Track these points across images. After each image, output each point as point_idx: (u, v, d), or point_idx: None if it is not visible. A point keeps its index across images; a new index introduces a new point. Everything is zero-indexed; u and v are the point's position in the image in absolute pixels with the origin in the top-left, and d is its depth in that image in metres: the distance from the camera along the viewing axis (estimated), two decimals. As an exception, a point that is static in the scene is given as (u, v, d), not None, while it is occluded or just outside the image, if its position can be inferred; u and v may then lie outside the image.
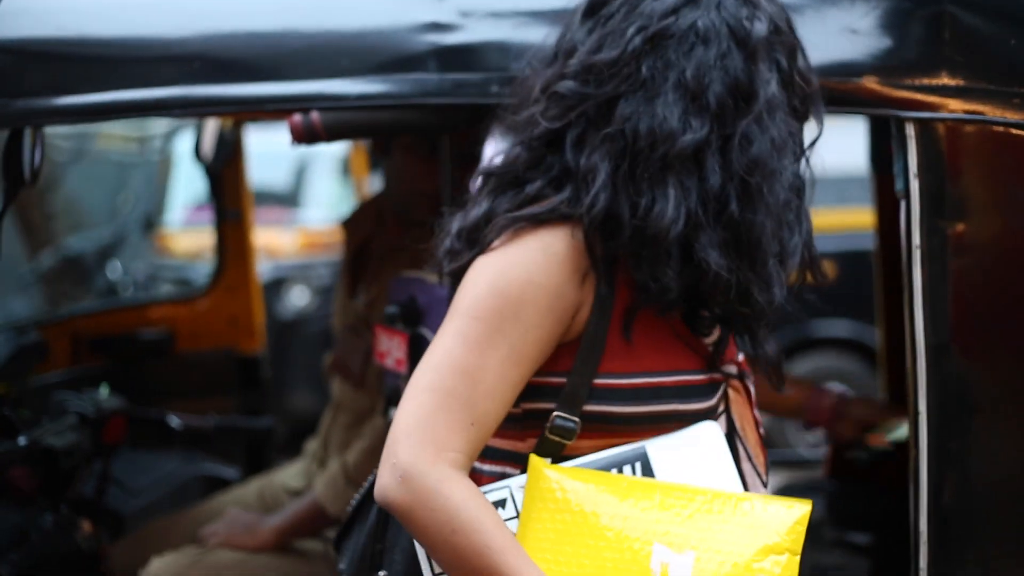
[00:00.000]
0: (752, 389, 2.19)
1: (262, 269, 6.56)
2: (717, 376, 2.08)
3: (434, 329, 2.02)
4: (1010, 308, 2.34)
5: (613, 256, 1.99)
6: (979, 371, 2.33)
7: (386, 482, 1.89)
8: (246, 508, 3.55)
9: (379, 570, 2.05)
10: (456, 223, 2.06)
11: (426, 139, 3.15)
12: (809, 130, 2.12)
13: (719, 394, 2.09)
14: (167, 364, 4.15)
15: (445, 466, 1.89)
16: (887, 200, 4.00)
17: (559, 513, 1.94)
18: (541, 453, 2.00)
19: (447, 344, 1.94)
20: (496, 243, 1.99)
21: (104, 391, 3.40)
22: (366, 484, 2.08)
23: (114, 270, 8.96)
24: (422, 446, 1.88)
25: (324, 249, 9.61)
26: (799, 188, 2.05)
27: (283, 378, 7.77)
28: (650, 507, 1.94)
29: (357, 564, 2.10)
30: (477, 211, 2.04)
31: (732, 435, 2.11)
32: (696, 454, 2.03)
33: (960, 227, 2.31)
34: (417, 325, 2.74)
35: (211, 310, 4.38)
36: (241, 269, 4.42)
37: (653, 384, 2.01)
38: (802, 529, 1.96)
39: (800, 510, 1.97)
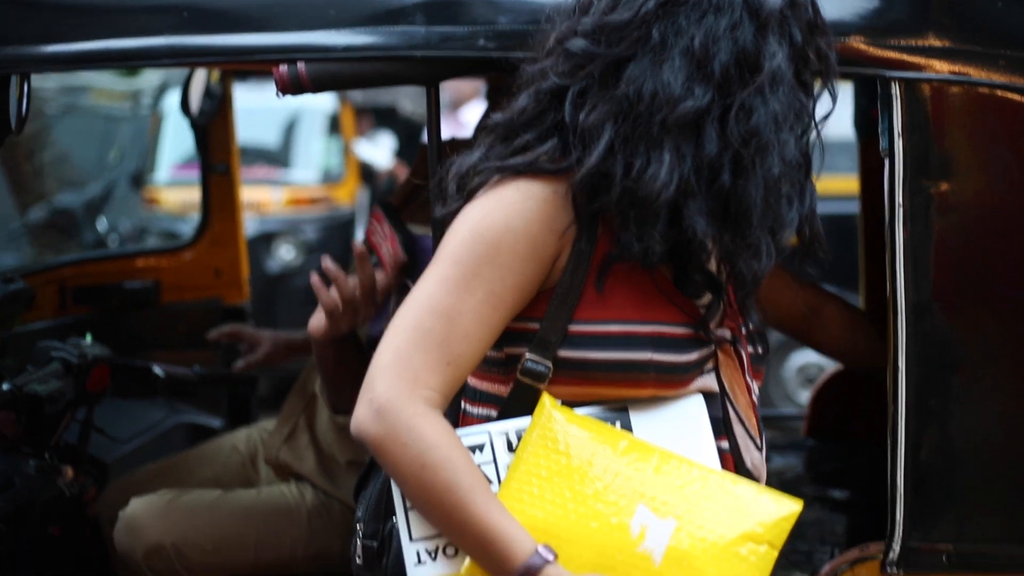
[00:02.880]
0: (745, 357, 2.19)
1: (249, 225, 6.57)
2: (701, 335, 2.09)
3: (416, 280, 2.04)
4: (991, 267, 2.35)
5: (597, 212, 2.02)
6: (960, 329, 2.35)
7: (362, 415, 1.95)
8: (229, 457, 3.57)
9: (392, 516, 2.08)
10: (451, 171, 2.11)
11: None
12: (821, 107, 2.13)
13: (702, 352, 2.09)
14: (152, 315, 4.15)
15: (420, 402, 1.95)
16: (870, 164, 4.02)
17: (556, 453, 1.97)
18: (517, 396, 2.04)
19: (428, 287, 2.01)
20: (480, 191, 2.05)
21: (89, 340, 3.41)
22: None
23: (102, 224, 8.97)
24: (398, 381, 1.94)
25: (311, 206, 9.62)
26: (803, 163, 2.08)
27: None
28: (645, 468, 1.97)
29: (372, 512, 2.15)
30: (470, 159, 2.08)
31: (723, 397, 2.12)
32: (678, 425, 2.05)
33: (944, 187, 2.32)
34: (403, 276, 2.75)
35: (197, 262, 4.37)
36: (227, 222, 4.42)
37: (626, 332, 2.04)
38: (787, 526, 1.97)
39: (789, 507, 1.97)
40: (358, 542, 2.18)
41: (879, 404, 2.50)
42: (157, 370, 3.62)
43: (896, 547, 2.35)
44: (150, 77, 9.37)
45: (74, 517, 3.30)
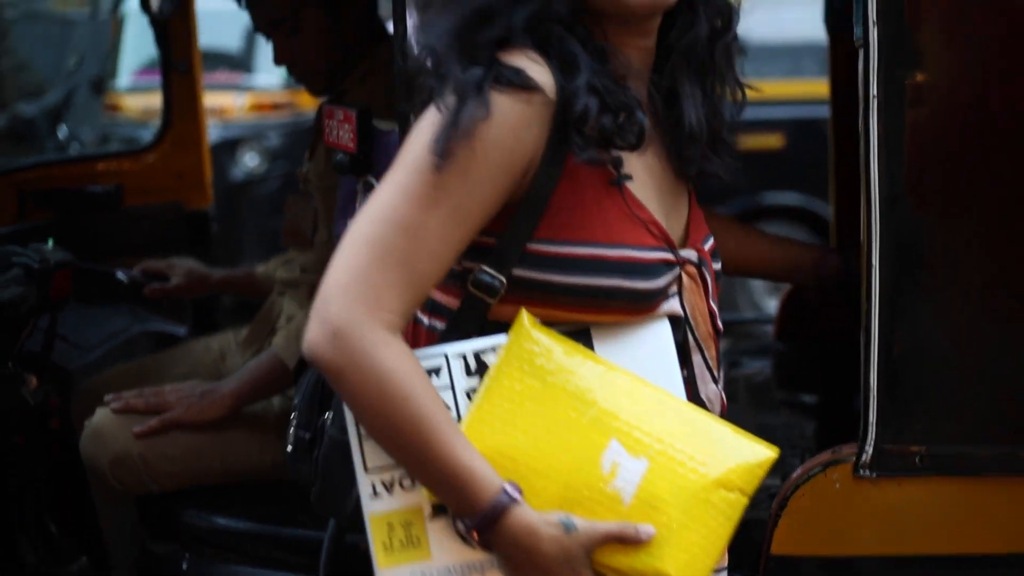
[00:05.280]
0: (710, 280, 2.10)
1: (212, 131, 6.48)
2: (669, 257, 2.00)
3: (382, 177, 1.97)
4: (966, 160, 2.32)
5: (573, 121, 1.91)
6: (933, 223, 2.31)
7: (316, 338, 1.80)
8: (200, 356, 3.54)
9: (326, 412, 2.02)
10: (425, 59, 1.94)
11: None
12: None
13: (669, 276, 2.00)
14: (114, 219, 4.09)
15: (380, 327, 1.80)
16: (841, 62, 3.98)
17: (531, 377, 1.88)
18: (467, 309, 1.95)
19: (390, 197, 1.85)
20: (445, 93, 1.88)
21: (50, 245, 3.35)
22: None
23: (63, 131, 8.86)
24: (356, 303, 1.79)
25: (275, 111, 9.52)
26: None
27: (233, 240, 7.73)
28: (620, 398, 1.89)
29: (307, 401, 2.08)
30: (441, 45, 1.92)
31: (685, 323, 2.04)
32: (644, 351, 1.97)
33: (918, 76, 2.27)
34: (366, 173, 2.71)
35: (159, 165, 4.30)
36: (189, 124, 4.35)
37: (594, 255, 1.92)
38: (761, 473, 1.90)
39: (764, 454, 1.91)
40: (291, 431, 2.12)
41: (850, 307, 2.48)
42: (120, 275, 3.58)
43: (869, 449, 2.32)
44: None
45: (37, 426, 3.27)
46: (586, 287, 1.92)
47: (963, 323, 2.34)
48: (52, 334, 3.36)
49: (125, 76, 10.00)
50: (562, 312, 1.94)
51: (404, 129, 2.05)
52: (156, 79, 4.74)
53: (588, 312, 1.94)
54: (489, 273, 1.91)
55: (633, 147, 1.95)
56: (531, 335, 1.89)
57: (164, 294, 3.62)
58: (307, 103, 9.30)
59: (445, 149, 1.82)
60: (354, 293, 1.80)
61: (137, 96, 9.54)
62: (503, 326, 1.93)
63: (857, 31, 2.28)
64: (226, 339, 3.62)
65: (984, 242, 2.33)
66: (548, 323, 1.93)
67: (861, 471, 2.33)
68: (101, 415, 3.16)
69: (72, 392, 3.53)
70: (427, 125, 1.87)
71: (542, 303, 1.93)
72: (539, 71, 1.88)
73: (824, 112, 4.34)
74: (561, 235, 1.92)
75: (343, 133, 2.77)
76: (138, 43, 9.32)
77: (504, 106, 1.84)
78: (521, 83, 1.85)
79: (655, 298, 1.97)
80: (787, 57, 8.43)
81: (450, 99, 1.85)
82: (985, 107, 2.32)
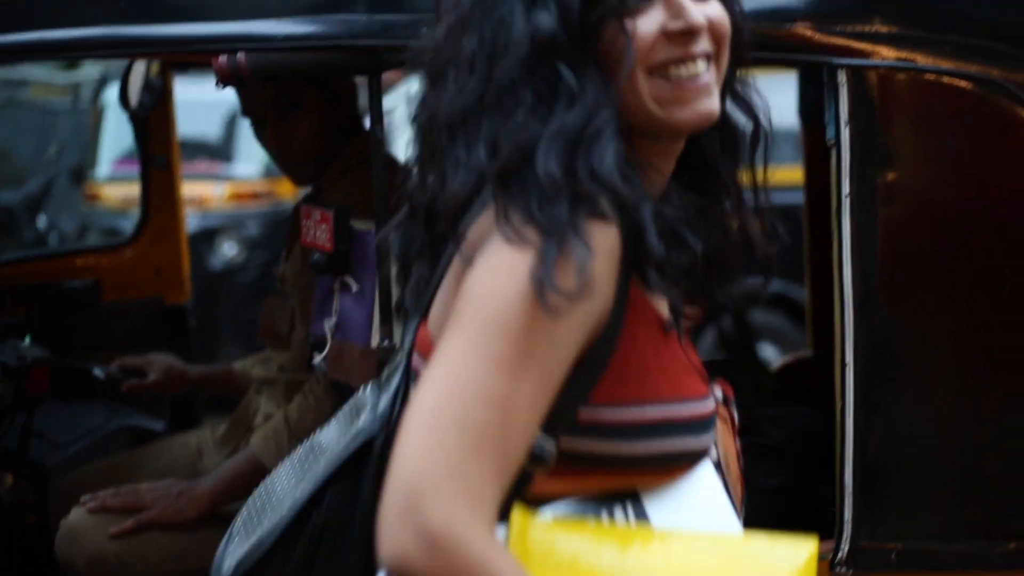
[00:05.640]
0: (736, 415, 1.91)
1: (191, 220, 6.50)
2: (716, 403, 1.78)
3: (359, 277, 1.98)
4: (938, 258, 2.34)
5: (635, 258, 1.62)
6: (906, 321, 2.33)
7: (409, 548, 1.43)
8: (178, 453, 3.52)
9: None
10: (451, 178, 1.61)
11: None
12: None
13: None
14: (93, 314, 4.09)
15: (484, 528, 1.46)
16: (816, 153, 4.02)
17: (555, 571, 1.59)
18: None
19: (473, 367, 1.48)
20: (521, 231, 1.52)
21: (28, 342, 3.35)
22: (288, 513, 1.81)
23: (42, 221, 8.88)
24: (456, 503, 1.44)
25: (254, 201, 9.54)
26: None
27: (211, 329, 7.72)
28: (653, 560, 1.64)
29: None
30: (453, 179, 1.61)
31: (717, 467, 1.80)
32: (695, 500, 1.74)
33: (890, 175, 2.30)
34: (343, 273, 2.72)
35: (137, 259, 4.31)
36: (168, 218, 4.36)
37: (663, 419, 1.64)
38: (813, 568, 1.70)
39: (807, 548, 1.78)
40: None
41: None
42: (97, 372, 3.57)
43: (845, 546, 2.32)
44: (90, 70, 9.28)
45: (15, 523, 3.24)
46: (655, 456, 1.65)
47: (938, 420, 2.35)
48: (29, 431, 3.34)
49: (105, 165, 10.03)
50: (614, 480, 1.66)
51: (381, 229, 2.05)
52: (136, 169, 4.76)
53: (646, 478, 1.68)
54: (541, 440, 1.59)
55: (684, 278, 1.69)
56: (533, 539, 1.60)
57: (142, 390, 3.61)
58: (287, 192, 9.34)
59: (552, 305, 1.48)
60: (451, 491, 1.45)
61: (117, 186, 9.55)
62: (538, 502, 1.64)
63: (830, 131, 2.31)
64: (203, 436, 3.60)
65: (957, 339, 2.35)
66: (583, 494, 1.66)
67: (838, 568, 2.33)
68: (77, 514, 3.14)
69: (49, 489, 3.50)
70: (504, 268, 1.52)
71: (593, 474, 1.65)
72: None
73: (798, 199, 4.37)
74: (625, 395, 1.62)
75: (320, 233, 2.78)
76: (118, 133, 9.35)
77: (598, 242, 1.53)
78: (602, 213, 1.54)
79: (708, 450, 1.75)
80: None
81: (531, 235, 1.51)
82: (956, 205, 2.35)
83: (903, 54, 2.31)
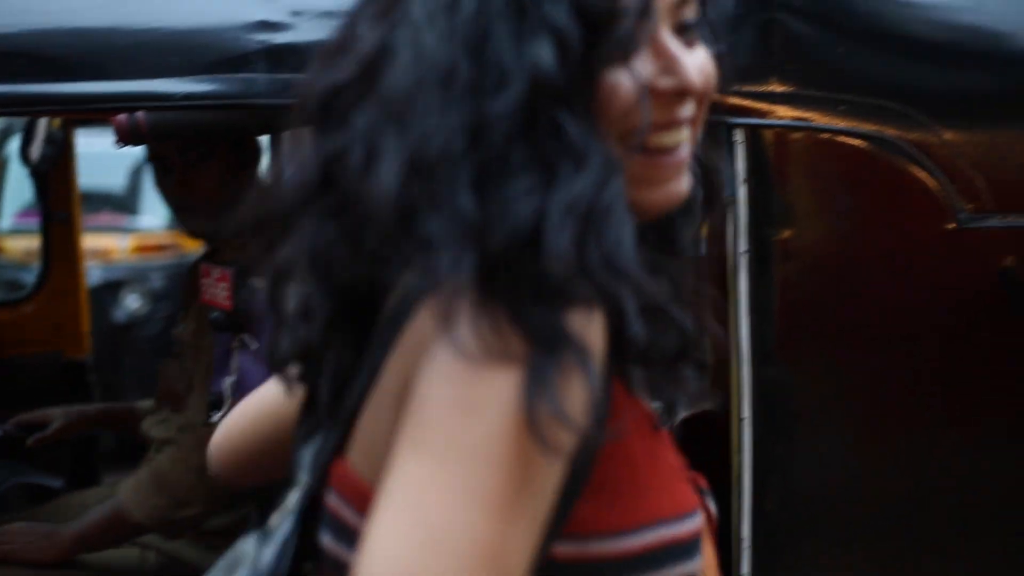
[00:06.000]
0: (714, 510, 1.52)
1: (94, 273, 6.43)
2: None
3: (258, 335, 1.96)
4: (834, 315, 2.37)
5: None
6: (803, 378, 2.35)
7: None
8: (72, 518, 3.47)
9: None
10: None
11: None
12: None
13: None
14: (-10, 371, 4.04)
15: None
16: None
17: None
18: None
19: (459, 507, 1.10)
20: (502, 339, 1.11)
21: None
22: None
23: (-59, 274, 8.73)
24: None
25: (159, 253, 9.46)
26: None
27: (114, 383, 7.62)
28: None
29: None
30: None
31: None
32: None
33: (786, 234, 2.33)
34: (241, 331, 2.70)
35: (36, 315, 4.27)
36: (68, 273, 4.32)
37: (666, 541, 1.28)
38: None
39: None
40: None
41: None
42: (-7, 429, 3.52)
43: (744, 603, 2.34)
44: (-9, 123, 9.16)
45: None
46: None
47: (834, 474, 2.37)
48: (-79, 491, 3.28)
49: (7, 218, 9.90)
50: None
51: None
52: (37, 221, 4.71)
53: None
54: None
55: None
56: None
57: (48, 441, 3.56)
58: (191, 244, 9.27)
59: (551, 439, 1.11)
60: None
61: (19, 238, 9.44)
62: None
63: (727, 190, 2.33)
64: (102, 494, 3.55)
65: (853, 396, 2.37)
66: None
67: (737, 624, 2.34)
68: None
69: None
70: (488, 388, 1.11)
71: None
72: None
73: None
74: (620, 521, 1.26)
75: (218, 291, 2.77)
76: (20, 185, 9.25)
77: (592, 343, 1.14)
78: (584, 299, 1.14)
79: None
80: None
81: (516, 346, 1.11)
82: (852, 263, 2.38)
83: (798, 113, 2.34)
